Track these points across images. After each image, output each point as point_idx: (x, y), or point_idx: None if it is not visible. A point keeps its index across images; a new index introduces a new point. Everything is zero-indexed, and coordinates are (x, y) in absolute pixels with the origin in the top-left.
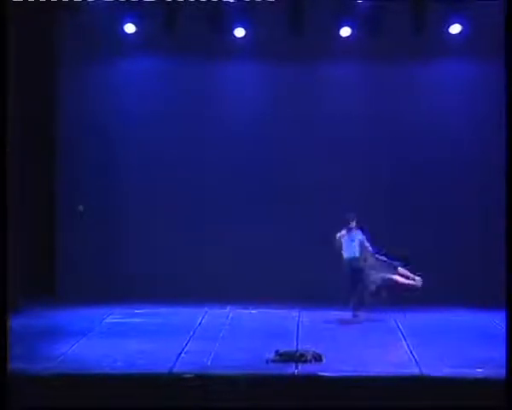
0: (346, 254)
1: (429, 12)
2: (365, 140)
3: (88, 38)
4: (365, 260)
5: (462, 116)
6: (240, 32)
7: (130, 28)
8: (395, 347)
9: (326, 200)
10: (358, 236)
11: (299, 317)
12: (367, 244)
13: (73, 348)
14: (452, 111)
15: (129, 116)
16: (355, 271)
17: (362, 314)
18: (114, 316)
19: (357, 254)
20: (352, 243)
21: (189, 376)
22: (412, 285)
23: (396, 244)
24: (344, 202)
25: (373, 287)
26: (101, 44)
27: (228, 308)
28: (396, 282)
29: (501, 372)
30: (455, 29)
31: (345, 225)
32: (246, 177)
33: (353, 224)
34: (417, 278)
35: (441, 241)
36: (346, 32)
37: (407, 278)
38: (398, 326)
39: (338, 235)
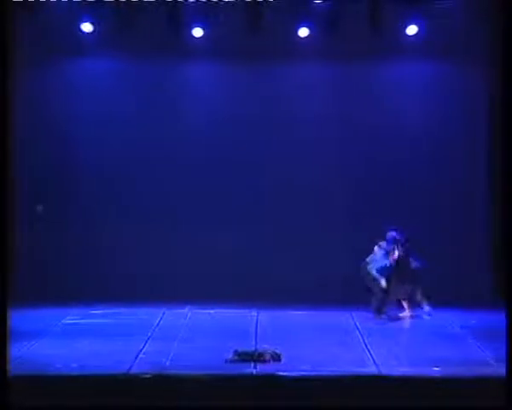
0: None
1: (386, 12)
2: (326, 140)
3: (45, 37)
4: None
5: (420, 115)
6: (198, 32)
7: (87, 27)
8: (353, 346)
9: (288, 202)
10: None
11: (257, 317)
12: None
13: (30, 349)
14: (411, 111)
15: (87, 116)
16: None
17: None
18: (72, 317)
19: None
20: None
21: (147, 376)
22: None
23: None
24: (307, 205)
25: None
26: (58, 44)
27: (186, 309)
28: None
29: (457, 371)
30: (411, 30)
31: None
32: (204, 177)
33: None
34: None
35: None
36: (304, 32)
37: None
38: (356, 325)
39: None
